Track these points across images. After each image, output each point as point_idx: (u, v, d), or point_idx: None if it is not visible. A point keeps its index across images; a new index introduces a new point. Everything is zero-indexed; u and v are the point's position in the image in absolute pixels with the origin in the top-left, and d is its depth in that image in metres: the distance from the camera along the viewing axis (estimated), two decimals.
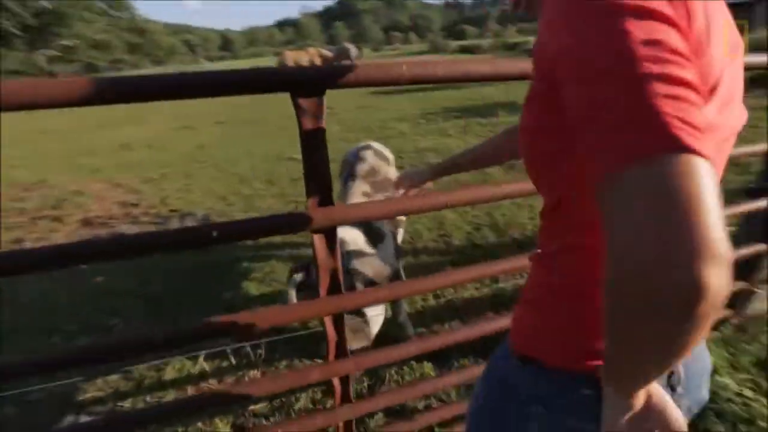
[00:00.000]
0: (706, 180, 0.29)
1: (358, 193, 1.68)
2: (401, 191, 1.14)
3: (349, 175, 1.80)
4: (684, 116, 0.30)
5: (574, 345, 0.50)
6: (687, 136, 0.29)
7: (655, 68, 0.30)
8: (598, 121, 0.32)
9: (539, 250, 0.55)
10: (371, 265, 1.45)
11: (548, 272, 0.53)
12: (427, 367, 1.69)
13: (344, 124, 6.98)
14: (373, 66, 0.81)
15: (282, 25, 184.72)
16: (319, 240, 0.84)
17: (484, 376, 0.63)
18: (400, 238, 1.94)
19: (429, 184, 1.13)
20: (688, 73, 0.31)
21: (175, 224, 3.57)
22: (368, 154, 1.90)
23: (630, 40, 0.31)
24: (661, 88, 0.30)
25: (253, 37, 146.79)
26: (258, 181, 4.49)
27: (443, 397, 1.54)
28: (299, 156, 0.88)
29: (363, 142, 2.11)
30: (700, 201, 0.28)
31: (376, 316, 1.49)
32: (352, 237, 1.51)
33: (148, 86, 0.67)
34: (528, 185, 0.98)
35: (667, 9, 0.33)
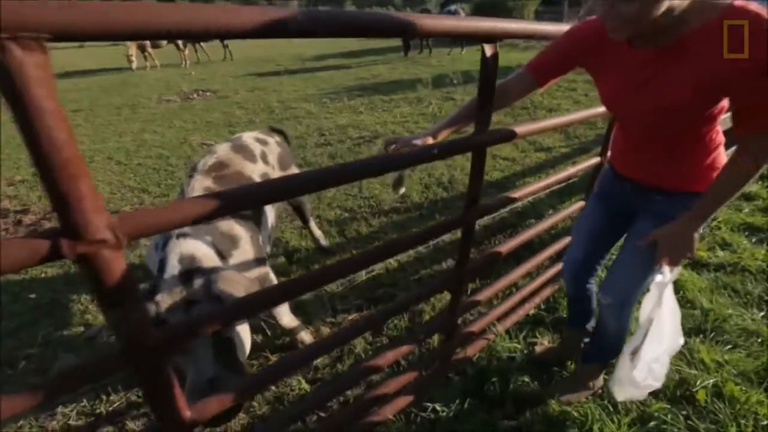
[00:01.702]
0: None
1: (198, 189, 1.44)
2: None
3: (191, 170, 1.62)
4: None
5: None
6: None
7: None
8: None
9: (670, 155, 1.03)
10: (239, 282, 1.17)
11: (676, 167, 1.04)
12: None
13: (245, 107, 6.60)
14: None
15: None
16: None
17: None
18: (271, 221, 1.78)
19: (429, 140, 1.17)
20: None
21: None
22: (221, 147, 1.75)
23: None
24: None
25: None
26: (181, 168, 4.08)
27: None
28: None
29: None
30: None
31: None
32: (203, 252, 1.23)
33: None
34: None
35: None
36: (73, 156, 0.47)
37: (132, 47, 12.03)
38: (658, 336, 1.13)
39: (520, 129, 1.21)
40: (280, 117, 6.00)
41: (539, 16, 18.86)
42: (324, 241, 2.59)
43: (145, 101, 7.61)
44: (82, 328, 2.06)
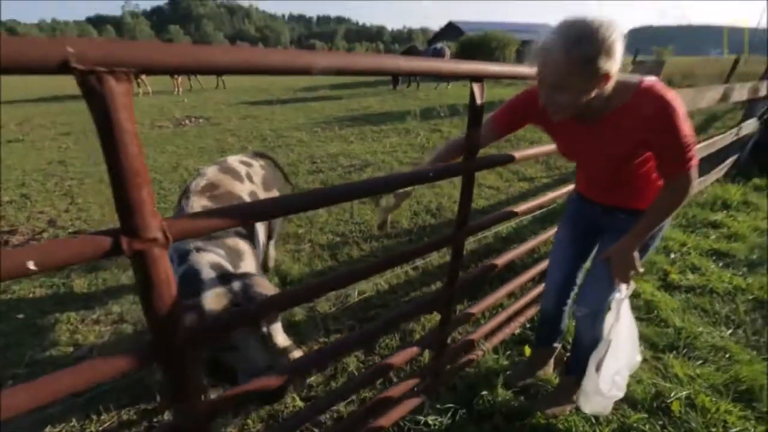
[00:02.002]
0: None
1: (197, 208, 1.53)
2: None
3: (183, 192, 1.71)
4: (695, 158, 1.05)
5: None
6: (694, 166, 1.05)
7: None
8: (683, 154, 1.03)
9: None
10: (267, 285, 1.30)
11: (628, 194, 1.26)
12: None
13: (238, 135, 6.75)
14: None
15: (98, 22, 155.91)
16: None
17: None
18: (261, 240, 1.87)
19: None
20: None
21: None
22: (210, 170, 1.85)
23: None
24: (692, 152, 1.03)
25: (54, 35, 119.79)
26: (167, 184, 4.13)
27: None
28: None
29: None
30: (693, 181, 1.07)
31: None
32: (223, 262, 1.35)
33: None
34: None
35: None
36: (141, 167, 0.56)
37: None
38: (618, 349, 1.25)
39: (518, 154, 1.41)
40: (272, 145, 6.15)
41: (520, 55, 19.99)
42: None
43: (138, 126, 7.63)
44: (71, 348, 2.05)
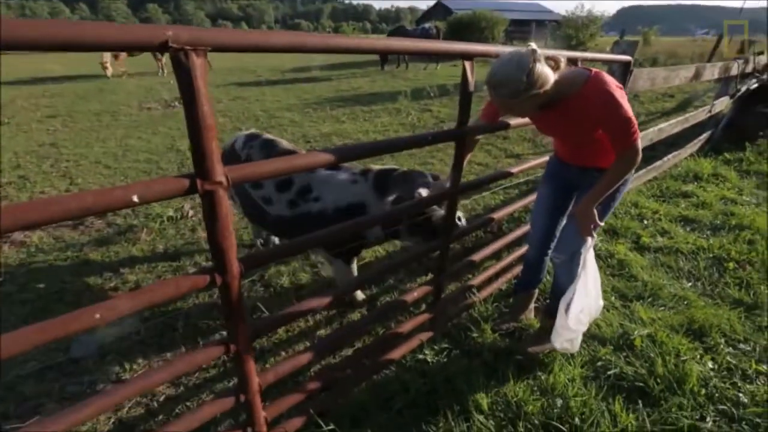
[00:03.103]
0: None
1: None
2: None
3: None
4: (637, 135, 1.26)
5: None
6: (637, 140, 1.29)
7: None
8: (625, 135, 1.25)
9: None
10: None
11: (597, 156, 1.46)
12: None
13: (229, 116, 6.78)
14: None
15: (71, 0, 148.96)
16: None
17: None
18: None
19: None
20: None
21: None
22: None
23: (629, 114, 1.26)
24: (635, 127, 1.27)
25: (22, 13, 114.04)
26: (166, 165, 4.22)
27: None
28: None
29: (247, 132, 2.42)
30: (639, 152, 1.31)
31: None
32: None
33: None
34: None
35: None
36: (213, 123, 0.73)
37: (106, 54, 11.93)
38: (584, 291, 1.47)
39: (513, 122, 1.68)
40: (264, 125, 6.22)
41: (509, 35, 19.96)
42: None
43: (126, 108, 7.63)
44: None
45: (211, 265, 0.86)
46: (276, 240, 2.74)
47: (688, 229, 2.90)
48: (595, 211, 1.39)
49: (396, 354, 1.66)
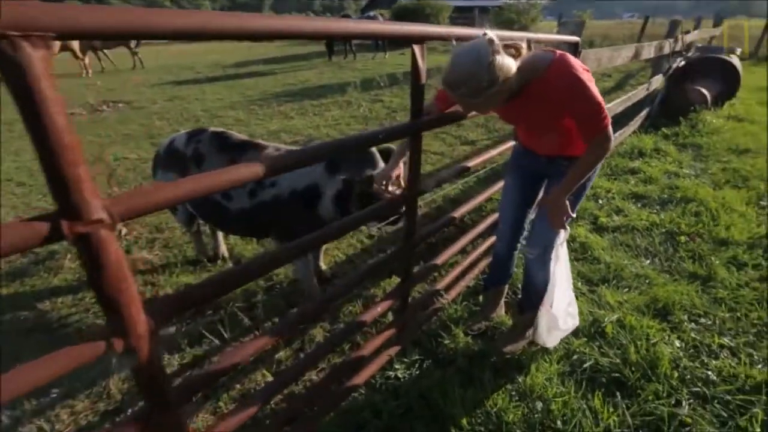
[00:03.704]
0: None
1: None
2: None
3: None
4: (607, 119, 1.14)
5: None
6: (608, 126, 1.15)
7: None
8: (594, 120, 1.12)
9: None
10: None
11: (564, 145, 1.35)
12: None
13: (167, 118, 6.21)
14: None
15: None
16: None
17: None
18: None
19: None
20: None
21: None
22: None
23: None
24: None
25: None
26: None
27: None
28: None
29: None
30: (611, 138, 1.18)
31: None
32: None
33: None
34: None
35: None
36: (73, 142, 0.52)
37: None
38: (566, 285, 1.41)
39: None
40: (206, 126, 5.75)
41: (453, 21, 20.13)
42: (223, 251, 2.56)
43: None
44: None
45: (107, 328, 0.65)
46: (220, 237, 2.53)
47: (639, 205, 2.98)
48: (567, 202, 1.30)
49: (364, 375, 1.50)
